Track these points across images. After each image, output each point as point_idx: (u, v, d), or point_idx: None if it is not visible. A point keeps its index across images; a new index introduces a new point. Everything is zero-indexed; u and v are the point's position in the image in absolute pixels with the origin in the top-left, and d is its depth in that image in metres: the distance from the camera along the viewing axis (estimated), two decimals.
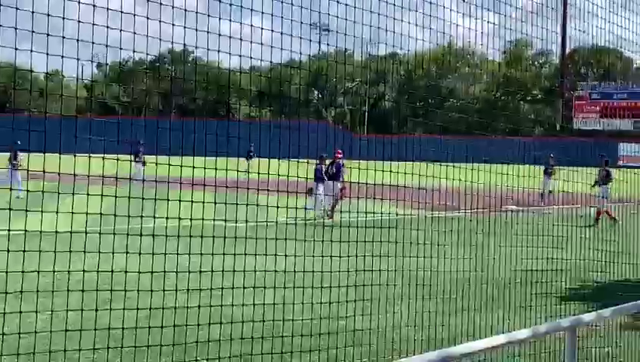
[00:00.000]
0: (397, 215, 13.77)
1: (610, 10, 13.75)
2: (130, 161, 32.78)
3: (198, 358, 9.08)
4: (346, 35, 9.77)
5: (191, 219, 8.01)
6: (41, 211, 6.95)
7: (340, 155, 30.17)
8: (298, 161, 9.49)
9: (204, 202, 8.24)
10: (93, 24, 7.43)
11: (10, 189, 8.95)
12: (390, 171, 10.45)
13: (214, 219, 8.32)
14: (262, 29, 8.82)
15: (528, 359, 9.60)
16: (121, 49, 7.90)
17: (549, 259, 12.48)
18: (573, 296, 14.28)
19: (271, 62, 9.63)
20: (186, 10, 8.12)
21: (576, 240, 14.22)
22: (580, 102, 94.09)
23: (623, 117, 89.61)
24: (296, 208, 9.43)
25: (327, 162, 29.85)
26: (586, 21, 13.43)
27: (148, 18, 7.83)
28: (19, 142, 30.64)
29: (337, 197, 28.28)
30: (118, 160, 7.90)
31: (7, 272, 7.09)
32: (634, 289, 13.62)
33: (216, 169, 8.34)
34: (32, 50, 7.23)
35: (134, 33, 7.75)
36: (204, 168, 8.24)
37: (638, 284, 15.19)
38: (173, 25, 8.08)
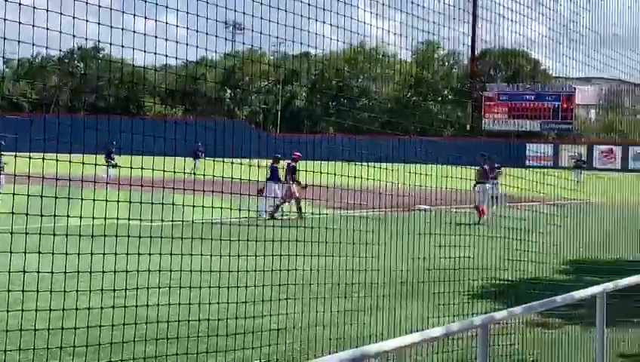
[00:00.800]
0: (312, 214, 13.83)
1: (519, 12, 14.02)
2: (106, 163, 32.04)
3: (112, 359, 8.97)
4: (260, 33, 9.77)
5: (105, 219, 7.91)
6: None
7: (296, 156, 30.32)
8: (214, 160, 9.44)
9: (118, 201, 8.15)
10: (5, 19, 7.29)
11: None
12: (305, 171, 10.49)
13: (129, 219, 8.23)
14: (177, 26, 8.78)
15: (442, 357, 9.74)
16: (33, 45, 7.75)
17: (461, 257, 12.67)
18: (486, 295, 14.52)
19: (184, 59, 9.57)
20: (100, 6, 8.03)
21: (486, 238, 14.49)
22: (489, 103, 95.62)
23: (530, 118, 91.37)
24: (221, 208, 9.36)
25: (282, 163, 29.95)
26: (496, 23, 13.67)
27: (61, 14, 7.71)
28: None
29: (286, 198, 28.66)
30: (30, 158, 7.75)
31: None
32: (543, 288, 13.93)
33: (131, 168, 8.26)
34: None
35: (47, 29, 7.61)
36: (119, 167, 8.15)
37: (547, 283, 15.53)
38: (87, 21, 7.97)
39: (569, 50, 16.79)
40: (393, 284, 12.46)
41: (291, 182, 29.33)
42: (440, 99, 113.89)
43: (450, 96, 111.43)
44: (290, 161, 29.73)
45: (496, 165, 31.73)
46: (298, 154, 30.05)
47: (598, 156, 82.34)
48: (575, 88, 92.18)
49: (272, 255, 9.51)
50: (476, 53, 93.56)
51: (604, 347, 8.21)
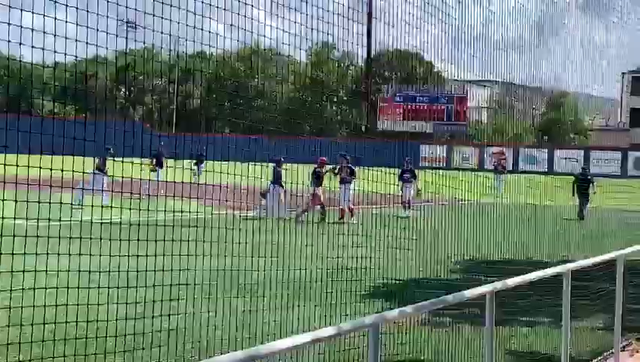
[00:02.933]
0: (208, 214, 13.70)
1: (413, 14, 14.18)
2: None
3: None
4: (153, 31, 9.62)
5: None
6: None
7: (322, 161, 30.41)
8: (114, 159, 9.27)
9: (3, 200, 7.92)
10: None
11: None
12: (205, 171, 10.38)
13: (15, 218, 8.01)
14: (66, 22, 8.58)
15: (334, 356, 9.76)
16: None
17: (354, 257, 12.73)
18: (377, 294, 14.63)
19: (75, 56, 9.35)
20: None
21: (379, 238, 14.59)
22: (384, 105, 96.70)
23: (424, 119, 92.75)
24: (111, 207, 9.19)
25: (328, 167, 30.16)
26: (390, 24, 13.80)
27: None
28: None
29: (312, 203, 28.19)
30: None
31: None
32: (433, 287, 14.12)
33: (18, 166, 8.04)
34: None
35: None
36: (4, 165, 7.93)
37: (438, 282, 15.75)
38: None
39: (462, 52, 17.09)
40: (287, 284, 12.42)
41: (317, 188, 29.22)
42: (335, 100, 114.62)
43: (345, 97, 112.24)
44: (316, 166, 29.68)
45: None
46: (324, 159, 30.07)
47: (489, 157, 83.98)
48: (468, 90, 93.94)
49: (164, 255, 9.39)
50: (372, 54, 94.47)
51: (493, 345, 8.34)
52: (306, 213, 26.93)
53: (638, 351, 11.80)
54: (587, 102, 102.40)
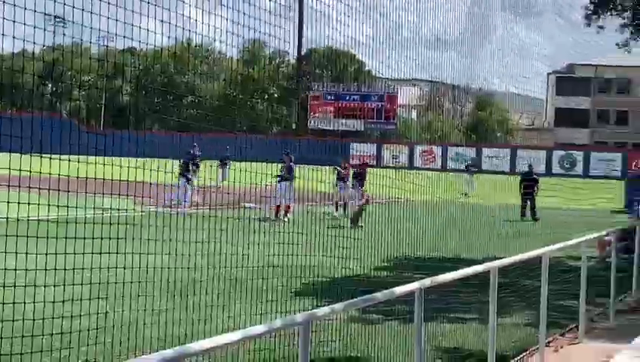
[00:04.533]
0: (135, 211, 13.59)
1: (345, 12, 14.24)
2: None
3: None
4: (82, 26, 9.51)
5: None
6: None
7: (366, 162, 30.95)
8: (40, 156, 9.13)
9: None
10: None
11: None
12: (128, 167, 10.29)
13: None
14: None
15: (265, 354, 9.75)
16: None
17: (284, 255, 12.72)
18: (308, 292, 14.65)
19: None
20: None
21: (310, 237, 14.63)
22: (315, 103, 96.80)
23: (355, 117, 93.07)
24: (38, 205, 9.05)
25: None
26: (322, 22, 13.84)
27: None
28: None
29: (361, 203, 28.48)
30: None
31: None
32: (365, 284, 14.18)
33: None
34: None
35: None
36: None
37: (369, 279, 15.84)
38: None
39: (393, 51, 17.21)
40: (219, 282, 12.38)
41: (360, 187, 30.04)
42: (267, 97, 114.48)
43: (277, 95, 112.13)
44: (359, 165, 30.20)
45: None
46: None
47: (418, 156, 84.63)
48: (398, 89, 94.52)
49: (92, 253, 9.28)
50: (303, 52, 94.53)
51: (423, 341, 8.41)
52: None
53: (562, 347, 12.01)
54: (514, 101, 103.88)
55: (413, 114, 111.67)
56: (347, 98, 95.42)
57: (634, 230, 16.42)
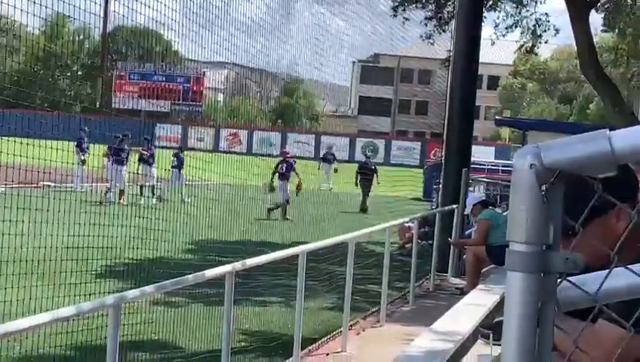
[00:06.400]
0: None
1: None
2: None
3: None
4: None
5: None
6: None
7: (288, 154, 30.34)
8: None
9: None
10: None
11: None
12: None
13: None
14: None
15: (73, 337, 9.52)
16: None
17: (87, 236, 12.42)
18: (117, 274, 14.41)
19: None
20: None
21: (115, 217, 14.39)
22: (120, 82, 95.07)
23: (161, 98, 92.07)
24: None
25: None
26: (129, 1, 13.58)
27: None
28: None
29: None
30: None
31: None
32: (173, 267, 14.11)
33: None
34: None
35: None
36: None
37: (176, 262, 15.76)
38: None
39: (203, 31, 17.10)
40: (18, 263, 11.92)
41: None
42: (69, 74, 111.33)
43: (80, 72, 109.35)
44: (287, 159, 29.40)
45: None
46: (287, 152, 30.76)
47: (224, 139, 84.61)
48: (205, 71, 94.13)
49: None
50: (108, 29, 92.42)
51: (232, 324, 8.47)
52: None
53: (364, 330, 12.35)
54: (320, 88, 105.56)
55: (220, 97, 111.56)
56: (152, 78, 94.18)
57: (434, 217, 17.06)
